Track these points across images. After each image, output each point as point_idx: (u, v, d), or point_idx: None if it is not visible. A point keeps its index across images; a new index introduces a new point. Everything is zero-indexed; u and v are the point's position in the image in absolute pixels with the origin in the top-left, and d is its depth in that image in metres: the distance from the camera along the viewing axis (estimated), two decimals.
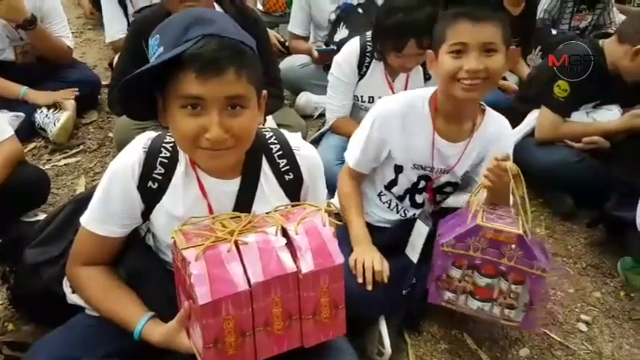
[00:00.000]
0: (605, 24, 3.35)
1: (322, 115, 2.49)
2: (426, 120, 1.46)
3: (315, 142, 2.17)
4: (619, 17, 3.30)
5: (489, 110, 1.50)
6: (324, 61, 2.66)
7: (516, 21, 2.67)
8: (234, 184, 1.12)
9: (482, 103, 1.48)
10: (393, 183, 1.57)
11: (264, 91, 1.09)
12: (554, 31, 3.17)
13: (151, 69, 0.94)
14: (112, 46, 2.91)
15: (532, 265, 1.29)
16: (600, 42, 2.08)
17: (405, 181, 1.54)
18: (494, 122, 1.49)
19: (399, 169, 1.53)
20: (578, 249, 1.98)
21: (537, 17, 3.31)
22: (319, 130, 2.34)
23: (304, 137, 2.19)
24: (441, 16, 1.39)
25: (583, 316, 1.68)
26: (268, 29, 3.14)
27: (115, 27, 2.75)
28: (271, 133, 1.18)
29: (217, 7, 1.98)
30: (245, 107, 0.99)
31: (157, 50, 0.99)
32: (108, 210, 1.11)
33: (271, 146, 1.16)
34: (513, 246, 1.28)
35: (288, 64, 2.79)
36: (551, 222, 2.12)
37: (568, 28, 3.34)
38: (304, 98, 2.75)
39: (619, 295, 1.78)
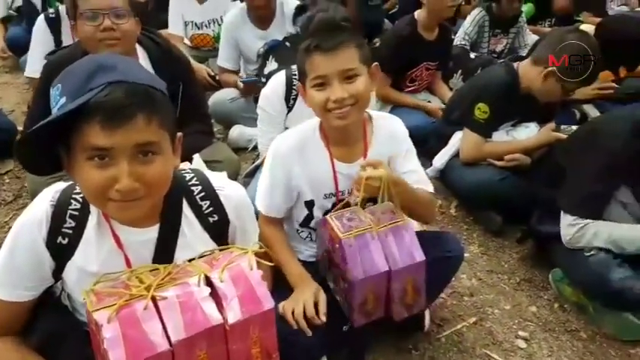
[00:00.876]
0: (520, 46, 3.57)
1: (257, 148, 2.45)
2: (320, 148, 1.44)
3: (250, 175, 2.13)
4: (531, 39, 3.51)
5: (375, 116, 1.50)
6: (249, 92, 2.65)
7: (432, 46, 2.82)
8: (152, 233, 1.05)
9: (366, 111, 1.46)
10: (308, 218, 1.52)
11: (179, 133, 1.04)
12: (472, 55, 3.33)
13: (52, 122, 0.88)
14: (30, 84, 2.76)
15: (345, 271, 1.28)
16: (515, 65, 2.19)
17: (320, 213, 1.50)
18: (383, 125, 1.49)
19: (310, 205, 1.49)
20: (511, 264, 2.03)
21: (457, 42, 3.49)
22: (254, 162, 2.30)
23: (237, 171, 2.16)
24: (299, 50, 1.39)
25: (521, 332, 1.71)
26: (198, 63, 3.14)
27: (37, 63, 2.56)
28: (192, 174, 1.14)
29: (138, 47, 1.93)
30: (157, 153, 0.94)
31: (59, 100, 0.93)
32: (14, 272, 1.02)
33: (192, 188, 1.11)
34: (337, 246, 1.29)
35: (219, 97, 2.77)
36: (484, 239, 2.17)
37: (487, 52, 3.53)
38: (237, 131, 2.72)
39: (553, 307, 1.83)
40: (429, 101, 2.94)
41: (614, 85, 2.82)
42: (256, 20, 2.77)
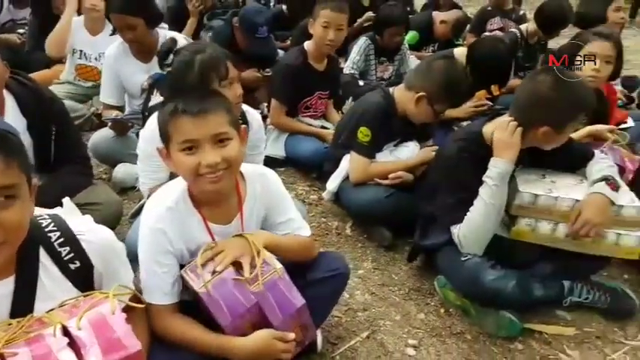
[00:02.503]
0: (405, 72, 3.80)
1: None
2: (192, 214, 1.39)
3: (136, 215, 2.08)
4: (416, 64, 3.76)
5: (246, 171, 1.48)
6: (118, 130, 2.56)
7: (323, 76, 2.94)
8: (7, 286, 1.02)
9: None
10: None
11: (35, 179, 1.02)
12: (361, 82, 3.52)
13: None
14: None
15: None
16: (391, 90, 2.34)
17: None
18: (256, 180, 1.49)
19: None
20: (401, 276, 2.13)
21: (347, 71, 3.67)
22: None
23: (119, 213, 2.09)
24: (159, 109, 1.37)
25: (410, 340, 1.79)
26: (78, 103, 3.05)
27: None
28: (49, 220, 1.11)
29: (6, 92, 1.85)
30: (16, 197, 0.93)
31: None
32: None
33: (50, 235, 1.08)
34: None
35: (102, 135, 2.64)
36: (376, 255, 2.27)
37: (375, 79, 3.73)
38: (122, 170, 2.58)
39: (440, 312, 1.95)
40: (325, 127, 3.05)
41: (488, 102, 3.10)
42: (138, 53, 2.71)
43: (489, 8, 4.84)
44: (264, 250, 1.37)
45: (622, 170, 2.31)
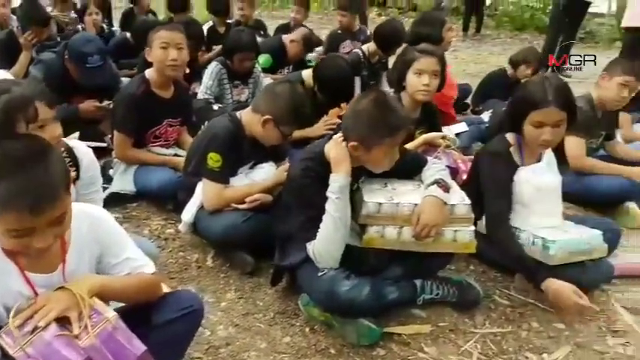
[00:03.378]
0: None
1: None
2: (6, 264, 1.25)
3: None
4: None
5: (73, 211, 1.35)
6: None
7: (170, 103, 2.85)
8: None
9: None
10: None
11: None
12: (216, 107, 3.47)
13: None
14: None
15: None
16: (239, 113, 2.33)
17: None
18: (82, 221, 1.36)
19: None
20: (266, 301, 2.10)
21: (200, 96, 3.61)
22: None
23: None
24: None
25: None
26: None
27: None
28: None
29: None
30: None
31: None
32: None
33: None
34: None
35: None
36: (240, 283, 2.21)
37: (232, 102, 3.71)
38: None
39: (305, 331, 1.95)
40: (179, 155, 2.93)
41: (339, 120, 3.23)
42: None
43: (339, 32, 5.12)
44: (93, 298, 1.25)
45: (456, 171, 2.54)
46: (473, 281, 2.15)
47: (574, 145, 2.87)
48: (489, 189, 2.23)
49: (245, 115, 2.30)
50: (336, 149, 1.89)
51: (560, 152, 2.51)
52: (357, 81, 3.91)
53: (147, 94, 2.74)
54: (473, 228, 1.98)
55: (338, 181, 1.87)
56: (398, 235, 1.97)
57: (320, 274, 1.85)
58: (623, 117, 3.55)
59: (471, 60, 7.15)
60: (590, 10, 7.17)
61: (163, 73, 2.74)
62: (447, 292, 2.07)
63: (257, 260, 2.26)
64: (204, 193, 2.26)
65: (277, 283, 2.13)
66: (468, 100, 4.59)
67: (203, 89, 3.64)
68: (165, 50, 2.67)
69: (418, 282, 2.05)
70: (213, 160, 2.20)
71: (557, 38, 6.51)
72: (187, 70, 4.20)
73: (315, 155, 1.94)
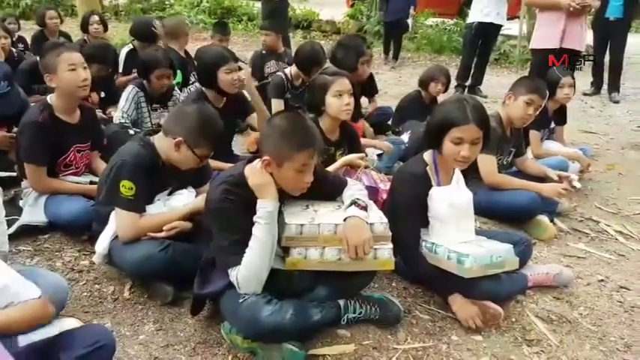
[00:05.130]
0: None
1: None
2: None
3: None
4: None
5: None
6: None
7: (77, 128, 2.71)
8: None
9: None
10: None
11: None
12: (131, 131, 3.35)
13: None
14: None
15: None
16: (151, 138, 2.26)
17: None
18: None
19: None
20: (187, 331, 2.03)
21: (116, 121, 3.48)
22: None
23: None
24: None
25: None
26: None
27: None
28: None
29: None
30: None
31: None
32: None
33: None
34: None
35: None
36: (159, 314, 2.12)
37: (152, 126, 3.60)
38: None
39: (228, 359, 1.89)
40: (94, 182, 2.79)
41: None
42: None
43: (264, 52, 5.16)
44: None
45: (376, 191, 2.60)
46: (394, 298, 2.20)
47: (486, 162, 3.03)
48: (401, 209, 2.31)
49: (158, 140, 2.23)
50: (258, 175, 1.87)
51: (473, 170, 2.64)
52: (280, 104, 3.95)
53: (51, 121, 2.60)
54: (391, 246, 2.03)
55: (266, 207, 1.85)
56: (320, 255, 1.98)
57: (241, 300, 1.82)
58: (532, 134, 3.81)
59: (392, 82, 7.42)
60: (504, 32, 7.72)
61: (74, 96, 2.63)
62: (369, 310, 2.10)
63: (178, 289, 2.18)
64: (118, 223, 2.16)
65: (198, 313, 2.06)
66: (390, 122, 4.74)
67: (119, 113, 3.51)
68: (74, 72, 2.57)
69: (342, 302, 2.06)
70: (126, 188, 2.11)
71: (471, 59, 6.91)
72: (103, 94, 4.10)
73: (235, 178, 1.91)
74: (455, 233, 2.25)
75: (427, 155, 2.37)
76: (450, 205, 2.24)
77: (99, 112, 3.91)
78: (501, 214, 3.16)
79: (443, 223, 2.27)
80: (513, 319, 2.25)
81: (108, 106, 4.17)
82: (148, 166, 2.17)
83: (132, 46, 4.79)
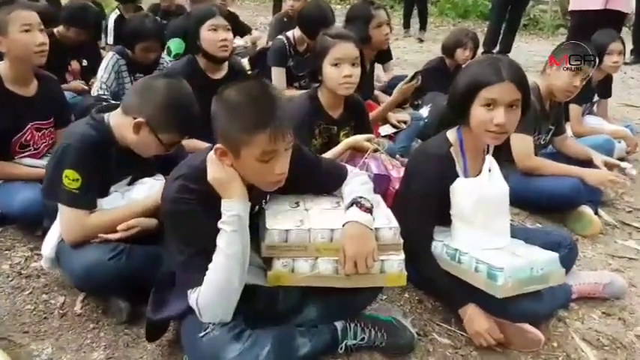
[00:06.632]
0: None
1: None
2: None
3: None
4: None
5: None
6: None
7: (34, 102, 2.29)
8: None
9: None
10: None
11: None
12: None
13: None
14: None
15: None
16: (106, 116, 1.81)
17: None
18: None
19: None
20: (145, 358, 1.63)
21: (95, 93, 3.09)
22: None
23: None
24: None
25: None
26: None
27: None
28: None
29: None
30: None
31: None
32: None
33: None
34: None
35: None
36: (113, 336, 1.71)
37: None
38: None
39: None
40: None
41: None
42: None
43: (285, 19, 4.57)
44: None
45: (387, 180, 2.13)
46: (405, 320, 1.75)
47: (521, 143, 2.54)
48: (415, 197, 1.86)
49: (114, 118, 1.78)
50: (216, 168, 1.43)
51: (504, 151, 2.13)
52: (281, 73, 3.46)
53: (1, 94, 2.17)
54: (402, 257, 1.58)
55: (232, 208, 1.41)
56: (312, 268, 1.55)
57: (201, 334, 1.39)
58: (573, 109, 3.28)
59: (411, 49, 6.81)
60: None
61: (28, 63, 2.20)
62: (374, 335, 1.66)
63: (136, 305, 1.76)
64: (61, 221, 1.73)
65: (157, 338, 1.64)
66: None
67: (97, 84, 3.10)
68: (29, 34, 2.14)
69: (339, 325, 1.64)
70: (70, 179, 1.67)
71: (500, 24, 6.31)
72: (85, 63, 3.66)
73: (195, 170, 1.47)
74: (484, 236, 1.78)
75: (451, 133, 1.88)
76: (479, 200, 1.77)
77: (80, 83, 3.54)
78: (536, 205, 2.67)
79: (469, 223, 1.80)
80: (555, 344, 1.80)
81: (91, 75, 3.73)
82: (99, 152, 1.72)
83: (118, 12, 4.32)
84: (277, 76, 3.44)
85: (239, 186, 1.42)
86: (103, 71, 3.10)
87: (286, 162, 1.41)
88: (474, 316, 1.74)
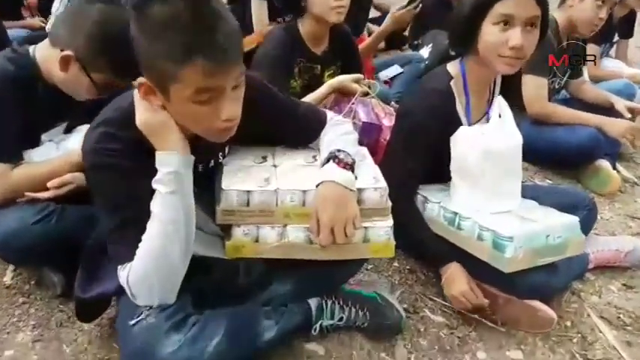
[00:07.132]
0: None
1: None
2: None
3: None
4: None
5: None
6: None
7: None
8: None
9: None
10: None
11: None
12: None
13: None
14: None
15: None
16: (31, 49, 1.46)
17: None
18: None
19: None
20: (78, 343, 1.34)
21: (48, 28, 2.70)
22: None
23: None
24: None
25: None
26: None
27: None
28: None
29: None
30: None
31: None
32: None
33: None
34: None
35: None
36: (46, 312, 1.43)
37: None
38: None
39: None
40: None
41: None
42: None
43: None
44: None
45: (379, 129, 1.81)
46: (393, 295, 1.48)
47: (533, 85, 2.21)
48: (401, 136, 1.57)
49: (41, 51, 1.44)
50: (144, 110, 1.10)
51: (515, 93, 1.78)
52: (261, 5, 3.04)
53: None
54: (390, 223, 1.28)
55: (168, 162, 1.10)
56: (280, 236, 1.27)
57: (133, 322, 1.11)
58: (591, 49, 2.90)
59: None
60: None
61: None
62: (354, 314, 1.39)
63: (74, 277, 1.47)
64: None
65: (93, 319, 1.37)
66: (406, 32, 3.78)
67: (52, 20, 2.68)
68: None
69: (313, 302, 1.36)
70: None
71: None
72: None
73: (121, 114, 1.14)
74: (491, 197, 1.49)
75: (452, 65, 1.56)
76: (486, 153, 1.46)
77: (39, 20, 3.17)
78: (549, 158, 2.37)
79: (473, 181, 1.49)
80: (568, 323, 1.55)
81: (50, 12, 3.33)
82: (21, 90, 1.39)
83: None
84: (258, 9, 3.02)
85: (175, 133, 1.10)
86: (59, 3, 2.70)
87: (235, 104, 1.07)
88: (454, 276, 1.48)
